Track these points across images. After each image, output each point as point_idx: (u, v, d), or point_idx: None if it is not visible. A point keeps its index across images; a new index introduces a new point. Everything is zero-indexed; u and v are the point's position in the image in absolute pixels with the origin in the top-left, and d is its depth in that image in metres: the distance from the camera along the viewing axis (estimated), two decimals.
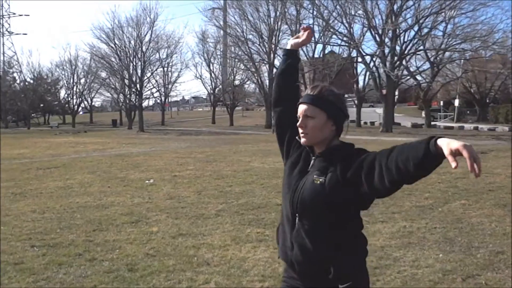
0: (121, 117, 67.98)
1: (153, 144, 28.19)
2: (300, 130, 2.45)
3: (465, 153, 1.95)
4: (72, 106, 71.25)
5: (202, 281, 5.40)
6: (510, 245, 6.60)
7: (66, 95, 73.38)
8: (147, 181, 13.11)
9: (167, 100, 63.45)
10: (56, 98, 75.78)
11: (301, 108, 2.46)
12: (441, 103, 59.53)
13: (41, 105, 72.77)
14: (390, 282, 5.29)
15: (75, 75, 70.31)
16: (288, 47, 2.80)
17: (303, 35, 2.74)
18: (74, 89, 70.99)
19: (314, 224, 2.38)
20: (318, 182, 2.36)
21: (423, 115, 53.22)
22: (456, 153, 1.98)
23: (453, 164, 1.96)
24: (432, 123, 47.46)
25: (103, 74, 59.24)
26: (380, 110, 60.93)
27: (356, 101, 51.01)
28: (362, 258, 2.49)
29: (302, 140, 2.46)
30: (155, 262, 6.11)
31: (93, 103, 79.52)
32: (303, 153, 2.56)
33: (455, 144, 1.98)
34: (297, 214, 2.42)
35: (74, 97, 71.13)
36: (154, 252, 6.57)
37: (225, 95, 60.24)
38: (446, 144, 2.00)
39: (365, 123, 51.31)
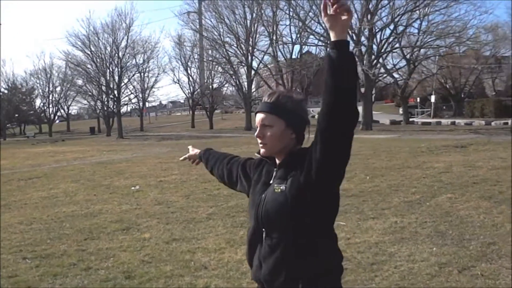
0: (99, 124, 67.36)
1: (134, 151, 28.00)
2: (259, 141, 2.35)
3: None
4: (48, 115, 70.38)
5: (202, 285, 5.40)
6: (500, 236, 6.72)
7: (41, 104, 72.50)
8: (133, 188, 13.03)
9: (144, 105, 63.06)
10: (32, 107, 74.75)
11: (258, 117, 2.36)
12: (418, 99, 60.16)
13: (16, 115, 71.76)
14: (389, 277, 5.34)
15: (51, 84, 69.50)
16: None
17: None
18: (50, 97, 70.16)
19: (281, 238, 2.23)
20: (279, 190, 2.24)
21: (401, 112, 53.68)
22: (325, 7, 2.04)
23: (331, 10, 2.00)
24: (410, 119, 47.94)
25: (79, 82, 58.67)
26: (358, 109, 61.52)
27: None
28: (336, 276, 2.33)
29: (262, 151, 2.37)
30: (152, 269, 6.08)
31: (69, 111, 78.62)
32: (264, 168, 2.49)
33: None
34: (263, 229, 2.29)
35: (50, 105, 70.31)
36: (149, 258, 6.53)
37: (204, 99, 60.10)
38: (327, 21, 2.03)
39: None
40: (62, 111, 74.63)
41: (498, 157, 15.22)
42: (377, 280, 5.28)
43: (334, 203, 2.29)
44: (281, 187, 2.24)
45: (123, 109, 55.92)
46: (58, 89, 69.58)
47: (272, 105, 2.32)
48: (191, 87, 60.80)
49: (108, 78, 51.14)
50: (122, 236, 7.84)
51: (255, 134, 2.36)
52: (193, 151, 3.18)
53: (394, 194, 10.07)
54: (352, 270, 5.64)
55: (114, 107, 51.61)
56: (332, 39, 2.01)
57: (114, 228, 8.41)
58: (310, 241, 2.21)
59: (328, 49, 2.04)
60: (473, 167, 13.34)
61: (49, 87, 69.64)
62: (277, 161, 2.37)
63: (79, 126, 79.92)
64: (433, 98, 54.18)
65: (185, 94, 62.48)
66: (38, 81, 70.99)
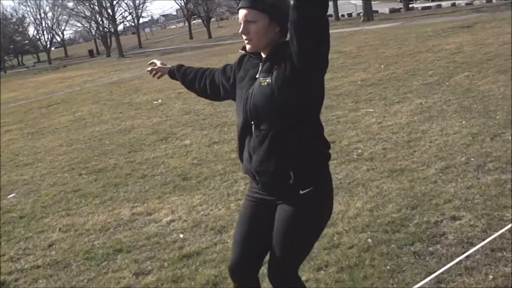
0: (97, 46, 66.66)
1: (141, 68, 28.03)
2: (244, 37, 2.35)
3: None
4: (44, 42, 69.47)
5: None
6: None
7: (35, 32, 71.40)
8: (155, 102, 13.38)
9: (139, 22, 62.02)
10: (26, 37, 73.69)
11: (241, 13, 2.34)
12: None
13: (11, 46, 70.90)
14: (427, 150, 5.78)
15: (41, 10, 68.10)
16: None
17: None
18: (43, 24, 68.98)
19: (270, 129, 2.30)
20: (265, 83, 2.28)
21: None
22: None
23: None
24: (410, 5, 47.11)
25: (70, 4, 57.48)
26: (354, 1, 60.35)
27: None
28: (324, 162, 2.42)
29: (248, 47, 2.37)
30: (204, 169, 6.55)
31: (64, 36, 77.42)
32: (248, 62, 2.50)
33: None
34: (252, 122, 2.35)
35: (44, 32, 69.22)
36: (198, 161, 6.99)
37: (199, 8, 58.94)
38: None
39: (342, 15, 50.77)
40: (57, 37, 73.59)
41: (505, 32, 15.28)
42: (416, 155, 5.72)
43: (319, 94, 2.35)
44: (267, 80, 2.27)
45: (119, 28, 54.97)
46: (50, 14, 68.36)
47: (253, 0, 2.30)
48: None
49: None
50: (164, 145, 8.29)
51: (239, 31, 2.35)
52: (161, 64, 3.08)
53: (412, 78, 10.37)
54: (391, 149, 6.08)
55: (110, 26, 50.84)
56: None
57: (152, 139, 8.85)
58: (297, 130, 2.28)
59: None
60: (483, 45, 13.50)
61: (40, 14, 68.29)
62: (263, 55, 2.38)
63: (76, 51, 79.11)
64: None
65: (179, 5, 61.17)
66: (27, 9, 69.62)
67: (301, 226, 2.38)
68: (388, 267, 3.48)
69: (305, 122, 2.31)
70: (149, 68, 3.07)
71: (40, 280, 4.18)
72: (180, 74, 2.97)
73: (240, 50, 2.49)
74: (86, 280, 4.05)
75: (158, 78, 3.09)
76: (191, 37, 59.24)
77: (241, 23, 2.34)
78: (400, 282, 3.30)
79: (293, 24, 2.09)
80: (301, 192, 2.32)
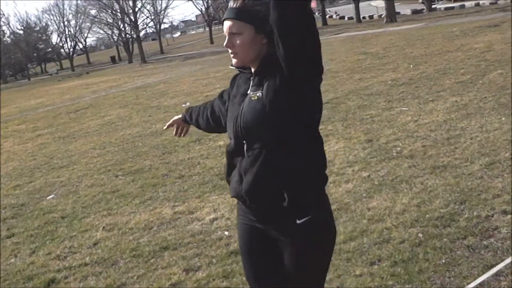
0: (119, 53, 67.33)
1: (165, 72, 28.26)
2: (229, 51, 2.16)
3: None
4: (67, 50, 70.38)
5: None
6: None
7: (58, 40, 72.40)
8: (183, 105, 13.45)
9: (161, 28, 62.52)
10: (49, 44, 74.80)
11: (225, 25, 2.15)
12: None
13: (35, 54, 72.02)
14: (468, 147, 5.71)
15: (64, 18, 69.07)
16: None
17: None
18: (66, 32, 69.95)
19: (263, 148, 2.09)
20: (256, 97, 2.09)
21: (419, 0, 52.24)
22: None
23: None
24: (432, 6, 46.77)
25: (93, 12, 58.15)
26: (375, 3, 60.05)
27: None
28: (321, 183, 2.21)
29: (234, 61, 2.17)
30: None
31: (87, 44, 78.41)
32: (240, 79, 2.30)
33: None
34: (244, 142, 2.15)
35: (67, 40, 70.17)
36: None
37: (220, 12, 59.19)
38: None
39: (364, 17, 50.60)
40: (79, 44, 74.51)
41: None
42: (458, 151, 5.66)
43: (315, 104, 2.11)
44: (258, 94, 2.09)
45: (141, 34, 55.37)
46: (73, 22, 69.28)
47: (238, 10, 2.12)
48: (204, 2, 59.80)
49: (121, 3, 50.44)
50: (198, 146, 8.32)
51: (224, 44, 2.17)
52: (176, 117, 2.88)
53: (444, 77, 10.27)
54: (431, 146, 6.03)
55: (132, 32, 51.29)
56: None
57: (185, 141, 8.87)
58: (292, 148, 2.09)
59: None
60: None
61: (63, 22, 69.26)
62: (253, 69, 2.19)
63: (98, 57, 79.95)
64: None
65: (200, 10, 61.52)
66: (51, 17, 70.55)
67: (304, 262, 2.19)
68: (443, 261, 3.45)
69: (301, 139, 2.11)
70: (174, 132, 2.89)
71: (89, 277, 4.22)
72: (189, 117, 2.78)
73: (230, 66, 2.24)
74: (135, 277, 4.07)
75: (184, 134, 2.90)
76: (211, 42, 59.48)
77: (225, 35, 2.16)
78: (457, 275, 3.27)
79: (274, 25, 1.90)
80: (298, 221, 2.11)
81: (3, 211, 6.65)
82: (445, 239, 3.73)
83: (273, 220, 2.19)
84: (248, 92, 2.16)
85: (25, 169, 9.07)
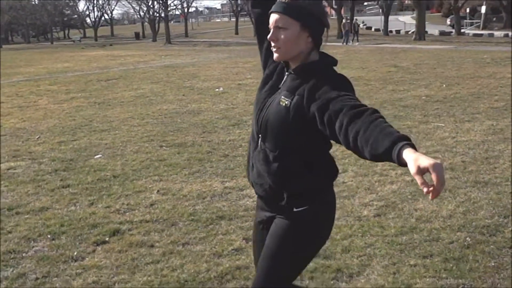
0: (143, 30, 67.67)
1: (192, 56, 28.56)
2: (272, 44, 2.17)
3: (435, 176, 1.60)
4: (93, 19, 70.76)
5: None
6: None
7: (85, 8, 72.79)
8: (217, 89, 13.75)
9: (188, 10, 62.85)
10: (75, 11, 75.21)
11: (272, 18, 2.16)
12: (467, 9, 58.32)
13: (60, 19, 72.42)
14: (508, 168, 5.99)
15: None
16: None
17: None
18: (94, 1, 70.29)
19: (274, 149, 2.20)
20: (284, 104, 2.14)
21: (448, 22, 52.40)
22: (424, 171, 1.61)
23: (425, 190, 1.63)
24: (461, 30, 46.90)
25: None
26: (403, 18, 60.16)
27: (383, 9, 50.07)
28: (324, 183, 2.30)
29: (275, 55, 2.18)
30: None
31: (113, 16, 78.71)
32: (278, 67, 2.33)
33: (424, 162, 1.61)
34: (260, 135, 2.25)
35: (95, 9, 70.51)
36: None
37: (248, 4, 59.35)
38: (414, 161, 1.63)
39: (391, 31, 50.76)
40: (105, 15, 74.90)
41: None
42: (498, 171, 5.94)
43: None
44: (287, 102, 2.13)
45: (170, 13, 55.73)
46: None
47: (287, 6, 2.12)
48: None
49: None
50: (237, 130, 8.62)
51: (268, 36, 2.18)
52: None
53: (478, 101, 10.53)
54: (470, 162, 6.31)
55: (161, 11, 51.57)
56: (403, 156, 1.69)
57: (224, 124, 9.18)
58: (301, 153, 2.19)
59: (393, 150, 1.71)
60: None
61: None
62: (291, 66, 2.23)
63: (121, 31, 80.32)
64: (483, 9, 52.48)
65: (229, 1, 61.74)
66: None
67: (289, 242, 2.27)
68: (492, 264, 3.74)
69: (311, 154, 2.21)
70: None
71: (152, 233, 4.52)
72: None
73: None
74: (197, 238, 4.37)
75: None
76: (236, 33, 59.76)
77: (270, 28, 2.16)
78: (507, 278, 3.56)
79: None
80: (294, 209, 2.23)
81: (52, 163, 6.96)
82: (492, 246, 4.02)
83: (273, 207, 2.31)
84: (280, 86, 2.24)
85: (66, 128, 9.39)
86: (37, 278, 3.82)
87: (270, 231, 2.32)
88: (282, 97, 2.15)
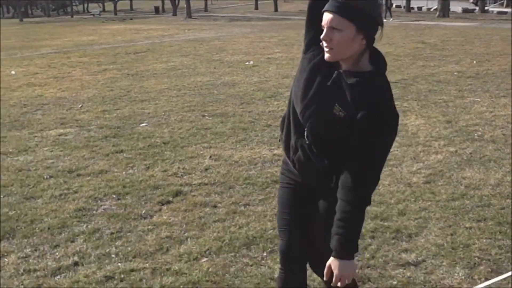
0: (163, 4, 67.55)
1: (215, 30, 28.59)
2: (324, 44, 2.10)
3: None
4: None
5: None
6: None
7: None
8: (247, 63, 13.89)
9: None
10: None
11: (326, 17, 2.08)
12: None
13: None
14: None
15: None
16: None
17: None
18: None
19: (322, 146, 2.23)
20: (338, 114, 2.12)
21: (471, 0, 51.71)
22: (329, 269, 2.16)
23: (325, 277, 2.19)
24: (485, 8, 46.30)
25: None
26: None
27: None
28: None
29: (326, 55, 2.12)
30: None
31: None
32: (321, 56, 2.20)
33: (336, 270, 2.13)
34: (306, 129, 2.23)
35: None
36: None
37: None
38: (332, 265, 2.16)
39: (412, 8, 50.19)
40: None
41: None
42: None
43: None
44: (341, 113, 2.11)
45: None
46: None
47: (342, 6, 2.05)
48: None
49: None
50: (275, 102, 8.79)
51: (321, 36, 2.10)
52: None
53: (510, 77, 10.58)
54: (510, 135, 6.44)
55: None
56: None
57: (260, 96, 9.35)
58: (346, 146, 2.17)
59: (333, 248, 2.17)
60: None
61: None
62: (342, 65, 2.17)
63: (140, 5, 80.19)
64: None
65: None
66: None
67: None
68: None
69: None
70: None
71: (213, 195, 4.76)
72: None
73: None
74: (257, 200, 4.60)
75: None
76: (256, 8, 59.44)
77: (323, 27, 2.09)
78: None
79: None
80: None
81: (101, 130, 7.22)
82: None
83: (321, 186, 2.34)
84: (329, 83, 2.16)
85: (105, 98, 9.63)
86: (112, 233, 4.07)
87: (324, 211, 2.35)
88: (337, 105, 2.12)
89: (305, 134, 2.23)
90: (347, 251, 2.12)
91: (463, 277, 3.31)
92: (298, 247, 2.52)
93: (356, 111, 2.08)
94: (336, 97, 2.13)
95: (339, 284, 2.12)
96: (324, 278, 2.17)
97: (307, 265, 2.64)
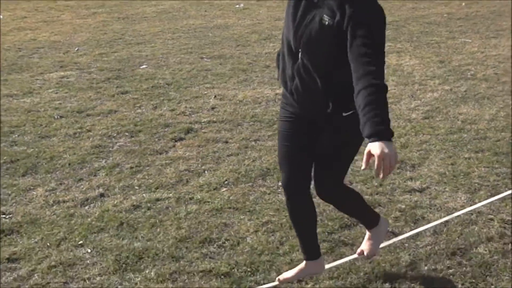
0: None
1: None
2: None
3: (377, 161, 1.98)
4: None
5: None
6: None
7: None
8: (237, 6, 13.83)
9: None
10: None
11: None
12: None
13: None
14: None
15: None
16: None
17: None
18: None
19: (316, 61, 2.29)
20: (326, 23, 2.20)
21: None
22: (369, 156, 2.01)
23: (363, 166, 2.02)
24: None
25: None
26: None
27: None
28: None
29: None
30: None
31: None
32: None
33: (378, 150, 1.97)
34: (300, 49, 2.31)
35: None
36: None
37: None
38: (372, 148, 2.00)
39: None
40: None
41: None
42: None
43: None
44: (329, 21, 2.20)
45: None
46: None
47: None
48: None
49: None
50: (271, 44, 8.88)
51: None
52: None
53: (500, 18, 10.75)
54: (503, 74, 6.69)
55: None
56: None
57: (255, 38, 9.43)
58: (343, 70, 2.22)
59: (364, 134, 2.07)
60: None
61: None
62: None
63: None
64: None
65: None
66: None
67: (345, 144, 2.47)
68: None
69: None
70: None
71: (223, 132, 4.97)
72: None
73: None
74: (266, 136, 4.83)
75: None
76: None
77: None
78: None
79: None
80: (344, 114, 2.37)
81: (101, 72, 7.31)
82: None
83: (319, 113, 2.43)
84: (317, 5, 2.25)
85: (100, 41, 9.62)
86: (131, 167, 4.29)
87: (324, 139, 2.48)
88: (324, 15, 2.20)
89: (299, 55, 2.31)
90: (387, 130, 2.01)
91: (465, 201, 3.61)
92: (299, 179, 2.58)
93: (342, 18, 2.15)
94: (322, 10, 2.22)
95: (382, 167, 1.97)
96: (363, 167, 2.02)
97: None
